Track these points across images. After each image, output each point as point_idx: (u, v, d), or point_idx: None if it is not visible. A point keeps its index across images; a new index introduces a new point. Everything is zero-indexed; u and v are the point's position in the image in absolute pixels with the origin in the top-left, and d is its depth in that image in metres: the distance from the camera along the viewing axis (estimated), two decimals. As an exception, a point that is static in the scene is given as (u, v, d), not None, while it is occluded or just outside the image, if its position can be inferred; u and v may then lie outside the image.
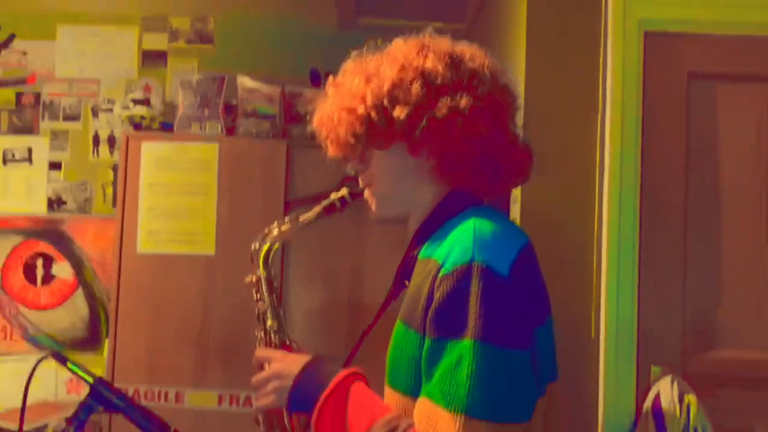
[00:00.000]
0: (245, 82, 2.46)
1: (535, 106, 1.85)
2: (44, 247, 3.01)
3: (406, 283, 1.16)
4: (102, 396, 1.25)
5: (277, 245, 1.31)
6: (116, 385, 2.12)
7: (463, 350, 0.98)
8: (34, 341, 2.99)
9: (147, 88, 2.57)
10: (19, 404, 1.27)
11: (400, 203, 1.20)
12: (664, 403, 1.73)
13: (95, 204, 3.03)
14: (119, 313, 2.32)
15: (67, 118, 3.06)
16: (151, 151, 2.37)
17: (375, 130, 1.13)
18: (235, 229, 2.32)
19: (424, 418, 1.00)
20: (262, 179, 2.35)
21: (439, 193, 1.17)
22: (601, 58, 1.89)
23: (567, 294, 1.81)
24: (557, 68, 1.89)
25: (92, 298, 3.01)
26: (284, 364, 1.17)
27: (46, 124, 3.06)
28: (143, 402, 2.25)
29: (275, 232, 1.32)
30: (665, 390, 1.75)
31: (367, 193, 1.24)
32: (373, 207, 1.22)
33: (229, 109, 2.47)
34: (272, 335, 1.29)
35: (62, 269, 3.01)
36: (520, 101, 1.23)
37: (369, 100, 1.13)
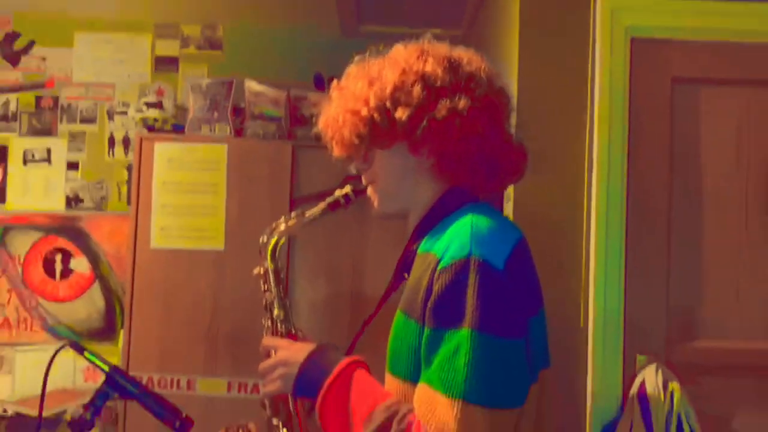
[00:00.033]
0: (252, 86, 2.45)
1: (527, 109, 1.84)
2: (63, 242, 3.00)
3: (406, 276, 1.15)
4: (117, 383, 1.25)
5: (283, 239, 1.31)
6: (131, 373, 2.12)
7: (460, 339, 0.98)
8: (53, 332, 2.99)
9: (159, 92, 2.56)
10: (39, 391, 1.27)
11: (401, 200, 1.19)
12: (649, 389, 1.73)
13: (111, 202, 3.02)
14: (134, 305, 2.31)
15: (84, 120, 3.05)
16: (164, 152, 2.36)
17: (378, 130, 1.13)
18: (243, 225, 2.31)
19: (423, 403, 1.00)
20: (268, 178, 2.34)
21: (438, 190, 1.16)
22: (589, 63, 1.89)
23: (558, 287, 1.81)
24: (548, 72, 1.89)
25: (108, 291, 3.00)
26: (290, 352, 1.17)
27: (64, 127, 3.05)
28: (156, 389, 2.25)
29: (282, 226, 1.31)
30: (650, 377, 1.75)
31: (369, 191, 1.23)
32: (376, 204, 1.22)
33: (238, 112, 2.47)
34: (279, 324, 1.28)
35: (80, 264, 3.00)
36: (514, 103, 1.23)
37: (372, 103, 1.13)
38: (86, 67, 3.06)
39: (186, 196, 2.34)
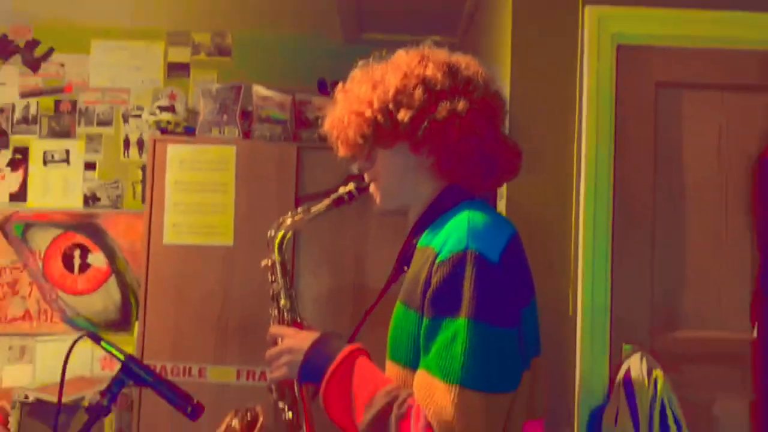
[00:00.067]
0: (260, 90, 2.45)
1: (518, 111, 1.84)
2: (81, 239, 3.00)
3: (406, 268, 1.15)
4: (132, 372, 1.24)
5: (290, 233, 1.30)
6: (145, 362, 2.12)
7: (457, 328, 0.98)
8: (72, 323, 2.98)
9: (172, 97, 2.56)
10: (58, 379, 1.26)
11: (402, 197, 1.19)
12: (634, 376, 1.73)
13: (126, 200, 3.02)
14: (148, 297, 2.31)
15: (100, 123, 3.04)
16: (176, 153, 2.36)
17: (381, 131, 1.13)
18: (251, 222, 2.31)
19: (422, 388, 1.00)
20: (275, 178, 2.34)
21: (437, 188, 1.16)
22: (578, 69, 1.88)
23: (549, 280, 1.80)
24: (539, 77, 1.88)
25: (124, 285, 3.00)
26: (295, 340, 1.16)
27: (81, 129, 3.04)
28: (169, 377, 2.24)
29: (289, 221, 1.30)
30: (635, 365, 1.74)
31: (372, 188, 1.23)
32: (378, 200, 1.22)
33: (246, 115, 2.46)
34: (285, 313, 1.27)
35: (97, 259, 3.00)
36: (507, 106, 1.22)
37: (376, 105, 1.13)
38: (102, 72, 3.05)
39: (197, 195, 2.34)
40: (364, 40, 2.94)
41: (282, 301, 1.28)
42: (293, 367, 1.14)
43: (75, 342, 1.25)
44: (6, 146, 3.03)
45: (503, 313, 1.01)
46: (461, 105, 1.10)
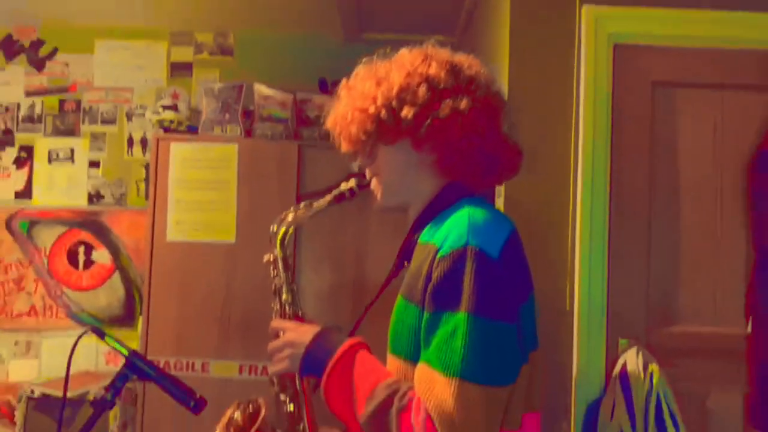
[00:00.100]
0: (261, 89, 2.45)
1: (517, 110, 1.83)
2: (85, 236, 2.99)
3: (407, 263, 1.15)
4: (136, 366, 1.23)
5: (292, 228, 1.29)
6: (149, 357, 2.12)
7: (458, 322, 0.98)
8: (77, 318, 2.98)
9: (175, 95, 2.55)
10: (63, 373, 1.26)
11: (402, 193, 1.18)
12: (630, 370, 1.73)
13: (130, 198, 3.01)
14: (151, 293, 2.31)
15: (104, 122, 3.04)
16: (179, 151, 2.36)
17: (384, 127, 1.12)
18: (253, 219, 2.31)
19: (422, 381, 1.00)
20: (276, 176, 2.34)
21: (438, 185, 1.16)
22: (575, 68, 1.88)
23: (546, 276, 1.80)
24: (537, 76, 1.88)
25: (127, 281, 2.99)
26: (297, 334, 1.16)
27: (86, 128, 3.04)
28: (172, 372, 2.24)
29: (291, 216, 1.30)
30: (631, 359, 1.74)
31: (373, 184, 1.22)
32: (379, 196, 1.21)
33: (247, 114, 2.46)
34: (287, 307, 1.27)
35: (101, 255, 2.99)
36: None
37: (379, 101, 1.12)
38: (106, 72, 3.04)
39: (199, 193, 2.34)
40: (364, 39, 2.94)
41: (284, 296, 1.27)
42: (295, 360, 1.14)
43: (80, 337, 1.25)
44: (11, 144, 3.03)
45: (503, 308, 1.01)
46: (464, 103, 1.09)
